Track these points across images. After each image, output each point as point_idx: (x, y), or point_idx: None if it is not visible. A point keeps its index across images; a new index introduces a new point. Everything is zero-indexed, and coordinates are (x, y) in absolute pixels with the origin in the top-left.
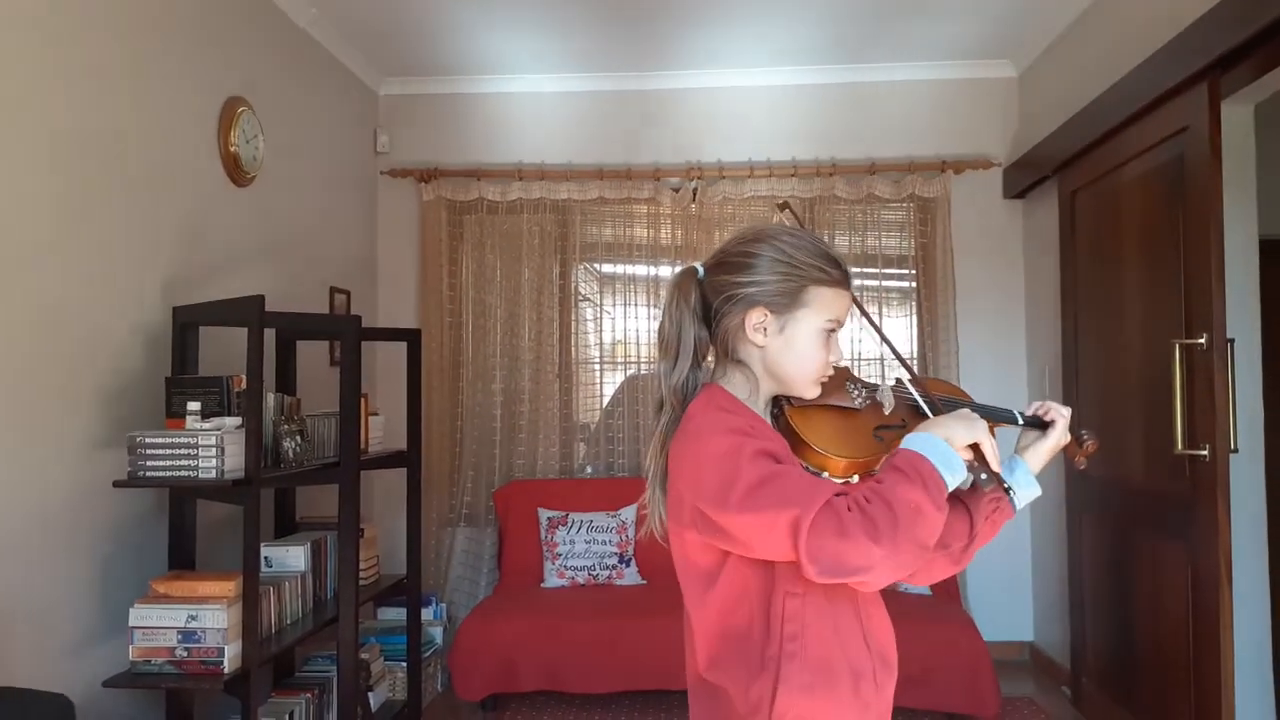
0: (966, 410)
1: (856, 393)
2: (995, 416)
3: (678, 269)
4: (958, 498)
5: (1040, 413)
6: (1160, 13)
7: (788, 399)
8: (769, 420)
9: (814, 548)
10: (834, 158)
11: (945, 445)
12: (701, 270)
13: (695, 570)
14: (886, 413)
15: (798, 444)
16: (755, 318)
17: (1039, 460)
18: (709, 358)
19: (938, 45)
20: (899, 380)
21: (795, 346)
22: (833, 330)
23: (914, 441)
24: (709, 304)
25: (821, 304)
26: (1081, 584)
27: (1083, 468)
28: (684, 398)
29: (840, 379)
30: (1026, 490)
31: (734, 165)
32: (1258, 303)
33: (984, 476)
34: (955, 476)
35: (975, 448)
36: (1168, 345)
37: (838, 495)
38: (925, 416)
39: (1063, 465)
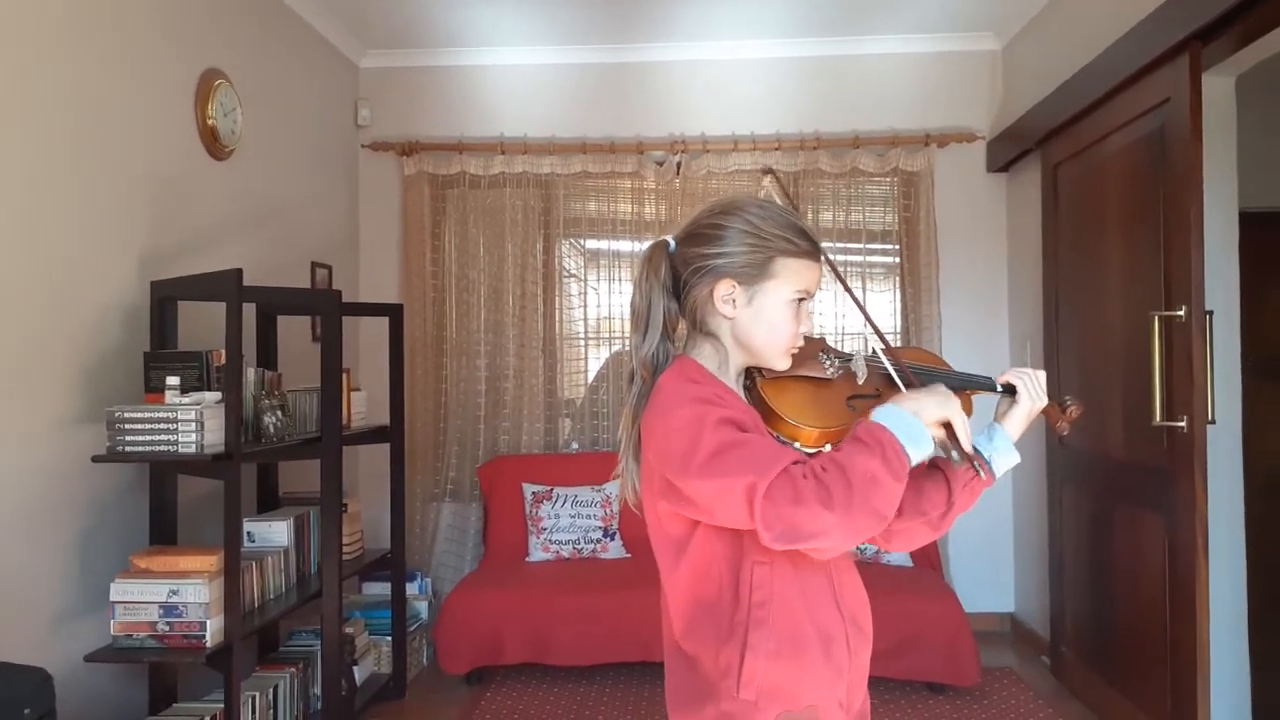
0: (941, 386)
1: (829, 363)
2: (971, 385)
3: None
4: (936, 465)
5: (1011, 378)
6: None
7: (759, 370)
8: (740, 392)
9: (769, 514)
10: (818, 131)
11: (911, 418)
12: (673, 243)
13: (667, 539)
14: (859, 382)
15: (769, 415)
16: (723, 289)
17: (1016, 426)
18: (680, 330)
19: (921, 18)
20: (874, 351)
21: (764, 317)
22: (802, 300)
23: (880, 414)
24: (679, 276)
25: (789, 275)
26: (1061, 555)
27: (1065, 434)
28: (654, 369)
29: (813, 349)
30: (1005, 457)
31: (718, 139)
32: (1237, 275)
33: (955, 455)
34: (920, 450)
35: (948, 425)
36: (1147, 317)
37: (796, 464)
38: (899, 387)
39: (1043, 438)
